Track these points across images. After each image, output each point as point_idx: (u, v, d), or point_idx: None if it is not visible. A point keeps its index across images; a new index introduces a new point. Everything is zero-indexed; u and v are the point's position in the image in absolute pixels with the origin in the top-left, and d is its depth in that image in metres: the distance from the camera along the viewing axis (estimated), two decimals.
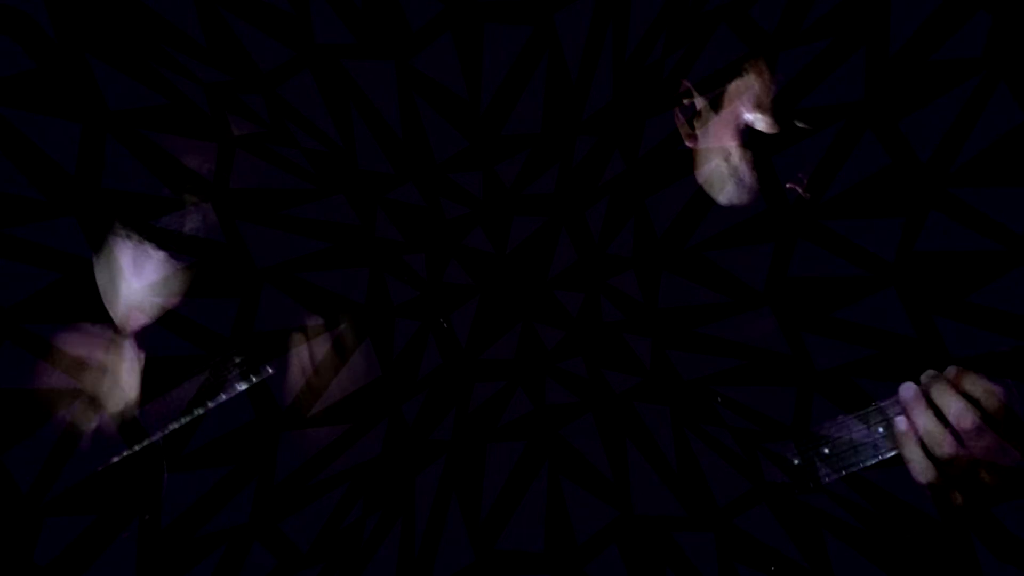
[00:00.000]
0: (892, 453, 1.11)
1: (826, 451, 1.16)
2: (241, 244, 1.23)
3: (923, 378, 1.08)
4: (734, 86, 1.28)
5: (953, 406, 1.04)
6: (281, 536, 1.22)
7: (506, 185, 1.35)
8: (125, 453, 1.13)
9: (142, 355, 1.18)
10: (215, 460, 1.20)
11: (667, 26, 1.32)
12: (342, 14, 1.29)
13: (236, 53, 1.25)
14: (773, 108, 1.26)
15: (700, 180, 1.33)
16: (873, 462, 1.12)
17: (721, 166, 1.30)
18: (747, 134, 1.28)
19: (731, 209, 1.31)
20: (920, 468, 1.06)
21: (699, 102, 1.31)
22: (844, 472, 1.16)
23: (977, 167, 1.21)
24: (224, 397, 1.15)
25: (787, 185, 1.28)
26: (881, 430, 1.12)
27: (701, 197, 1.33)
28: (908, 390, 1.08)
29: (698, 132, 1.31)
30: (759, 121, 1.27)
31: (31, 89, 1.19)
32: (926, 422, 1.05)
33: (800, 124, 1.26)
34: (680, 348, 1.30)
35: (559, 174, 1.35)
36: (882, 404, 1.12)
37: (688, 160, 1.33)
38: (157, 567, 1.16)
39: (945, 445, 1.04)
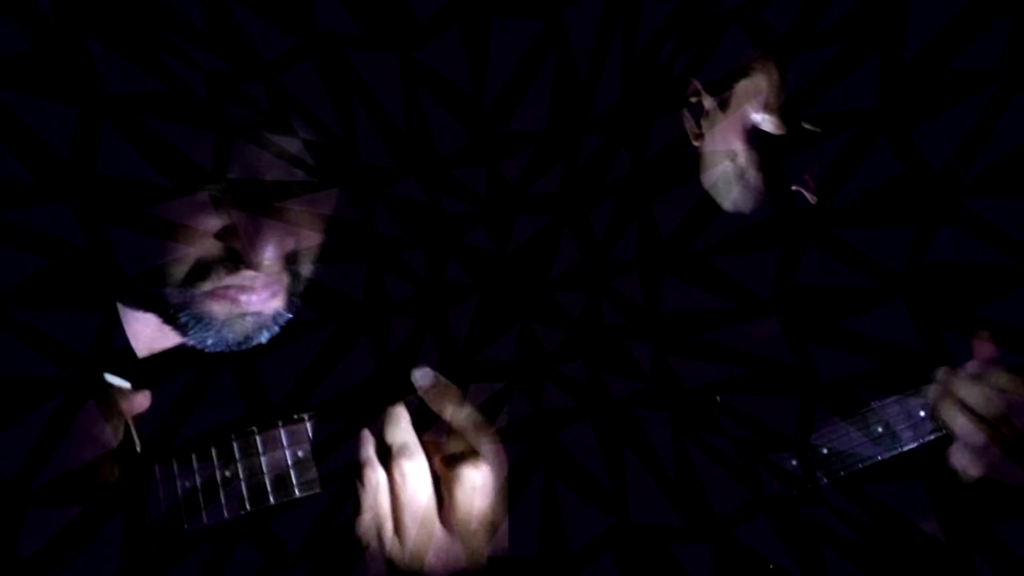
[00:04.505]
0: (890, 455, 1.12)
1: (824, 451, 1.16)
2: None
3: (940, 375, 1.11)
4: (742, 86, 1.26)
5: (979, 397, 1.05)
6: (269, 534, 1.20)
7: (509, 183, 1.33)
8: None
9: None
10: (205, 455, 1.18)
11: (678, 25, 1.30)
12: (346, 3, 1.27)
13: (237, 40, 1.23)
14: (781, 109, 1.24)
15: (705, 184, 1.31)
16: (871, 463, 1.13)
17: (728, 169, 1.29)
18: (755, 136, 1.26)
19: (738, 214, 1.30)
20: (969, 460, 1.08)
21: (708, 102, 1.29)
22: (843, 473, 1.16)
23: (991, 178, 1.19)
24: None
25: (793, 187, 1.26)
26: (880, 429, 1.12)
27: (707, 201, 1.32)
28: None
29: (705, 132, 1.30)
30: (767, 122, 1.25)
31: (27, 71, 1.18)
32: (957, 416, 1.07)
33: (808, 126, 1.24)
34: (682, 354, 1.28)
35: (563, 173, 1.33)
36: (876, 405, 1.12)
37: (695, 163, 1.32)
38: (142, 563, 1.14)
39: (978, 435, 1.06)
